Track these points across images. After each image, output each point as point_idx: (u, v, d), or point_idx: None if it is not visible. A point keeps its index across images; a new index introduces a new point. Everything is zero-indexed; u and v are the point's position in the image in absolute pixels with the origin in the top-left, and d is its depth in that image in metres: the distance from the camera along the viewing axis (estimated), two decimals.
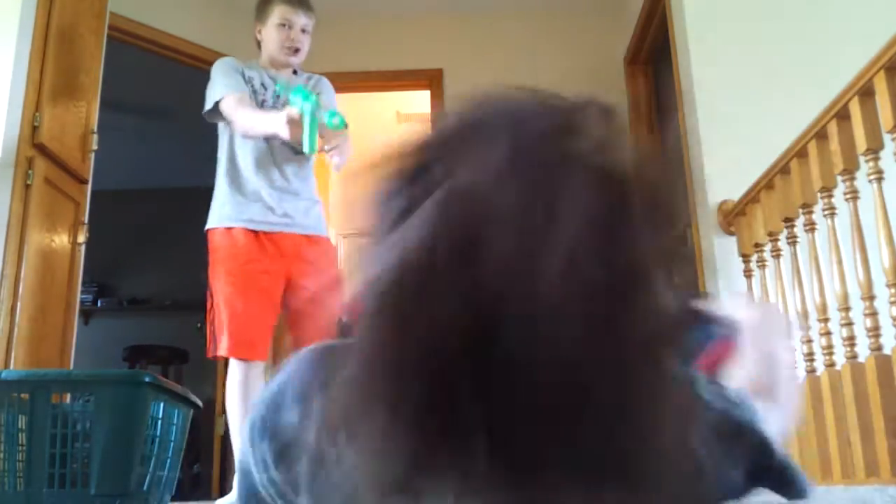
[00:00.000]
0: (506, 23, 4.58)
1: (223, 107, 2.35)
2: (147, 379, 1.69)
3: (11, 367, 2.67)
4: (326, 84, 2.58)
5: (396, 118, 5.88)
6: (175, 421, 1.84)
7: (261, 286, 2.27)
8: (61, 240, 3.14)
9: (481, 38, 4.59)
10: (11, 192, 2.82)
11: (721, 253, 3.03)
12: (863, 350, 2.08)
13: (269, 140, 2.35)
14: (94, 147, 3.39)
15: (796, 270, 2.49)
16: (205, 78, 2.46)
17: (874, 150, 2.07)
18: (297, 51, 2.48)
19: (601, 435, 0.35)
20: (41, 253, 2.96)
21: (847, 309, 2.17)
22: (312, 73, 2.59)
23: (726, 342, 0.73)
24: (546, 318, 0.34)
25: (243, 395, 2.19)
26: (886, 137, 2.02)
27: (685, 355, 0.43)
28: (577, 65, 4.50)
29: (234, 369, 2.24)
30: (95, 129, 3.41)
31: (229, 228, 2.32)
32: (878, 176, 2.05)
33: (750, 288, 2.82)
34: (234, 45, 3.59)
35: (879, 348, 2.00)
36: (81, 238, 3.29)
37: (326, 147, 2.29)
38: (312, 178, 2.49)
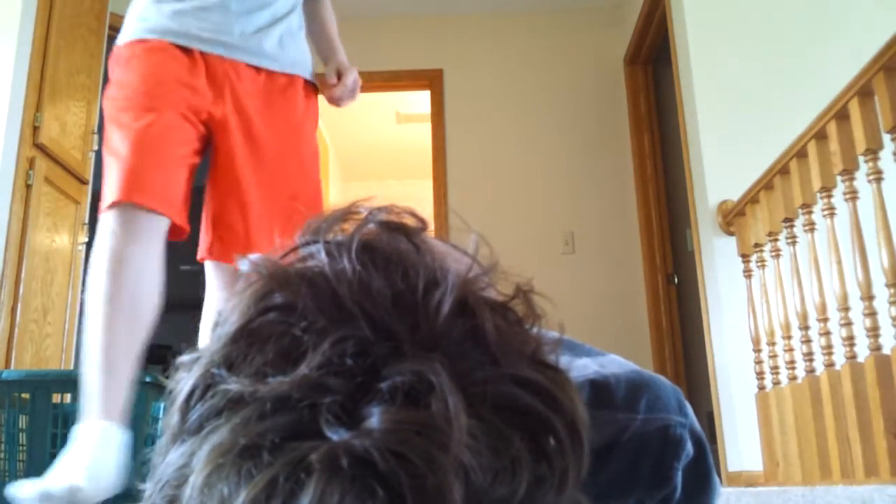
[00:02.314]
0: (506, 23, 4.58)
1: None
2: (147, 379, 1.69)
3: (12, 366, 2.67)
4: None
5: (396, 118, 5.88)
6: None
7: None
8: (62, 240, 3.15)
9: (481, 38, 4.59)
10: (12, 192, 2.82)
11: (720, 253, 3.03)
12: (862, 350, 2.08)
13: None
14: (95, 147, 3.39)
15: (796, 271, 2.49)
16: None
17: (873, 150, 2.07)
18: None
19: None
20: (42, 253, 2.97)
21: (846, 309, 2.17)
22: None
23: None
24: None
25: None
26: (886, 138, 2.02)
27: None
28: (577, 65, 4.51)
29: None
30: (96, 129, 3.41)
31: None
32: (878, 176, 2.06)
33: (749, 288, 2.83)
34: None
35: (879, 348, 2.00)
36: (82, 238, 3.29)
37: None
38: None
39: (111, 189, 1.41)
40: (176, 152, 1.48)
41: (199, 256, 1.65)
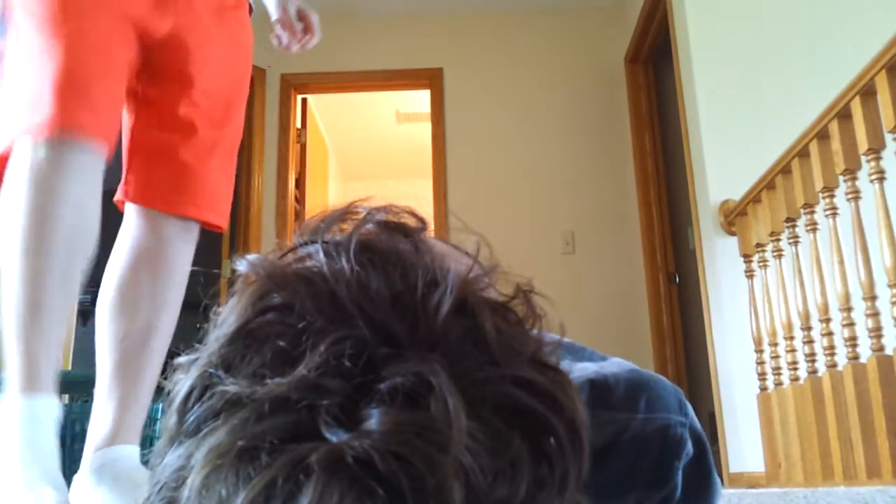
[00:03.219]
0: (506, 23, 4.58)
1: None
2: None
3: None
4: None
5: (396, 118, 5.88)
6: None
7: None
8: None
9: (481, 38, 4.58)
10: None
11: (722, 253, 3.02)
12: (864, 350, 2.08)
13: None
14: None
15: (798, 271, 2.49)
16: None
17: (876, 149, 2.06)
18: None
19: None
20: None
21: (849, 309, 2.16)
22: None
23: None
24: None
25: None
26: (888, 137, 2.02)
27: None
28: (577, 64, 4.51)
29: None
30: None
31: None
32: (880, 176, 2.05)
33: (751, 289, 2.82)
34: None
35: (881, 349, 1.99)
36: None
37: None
38: None
39: (41, 102, 1.06)
40: (122, 65, 1.17)
41: (119, 197, 1.33)
